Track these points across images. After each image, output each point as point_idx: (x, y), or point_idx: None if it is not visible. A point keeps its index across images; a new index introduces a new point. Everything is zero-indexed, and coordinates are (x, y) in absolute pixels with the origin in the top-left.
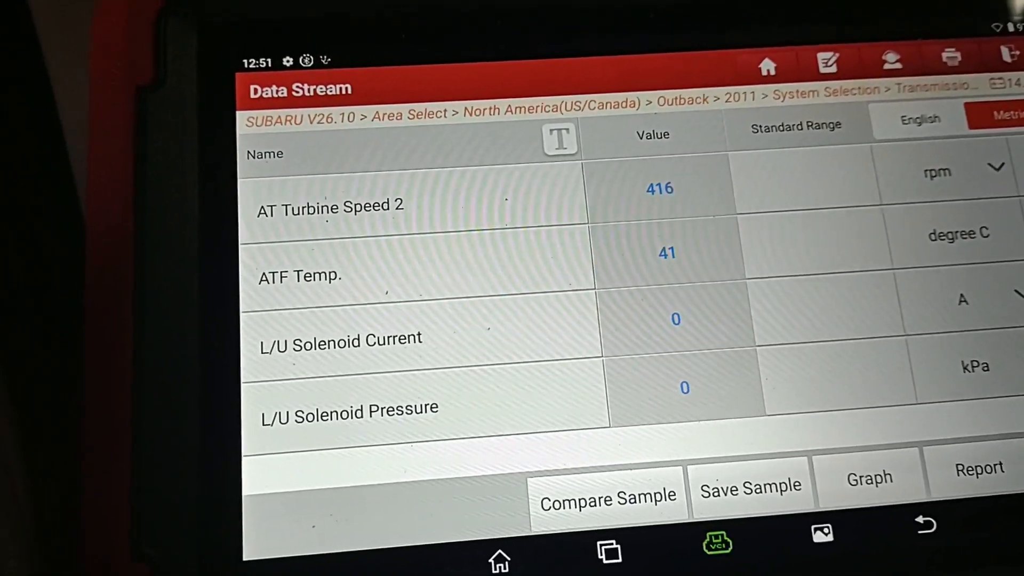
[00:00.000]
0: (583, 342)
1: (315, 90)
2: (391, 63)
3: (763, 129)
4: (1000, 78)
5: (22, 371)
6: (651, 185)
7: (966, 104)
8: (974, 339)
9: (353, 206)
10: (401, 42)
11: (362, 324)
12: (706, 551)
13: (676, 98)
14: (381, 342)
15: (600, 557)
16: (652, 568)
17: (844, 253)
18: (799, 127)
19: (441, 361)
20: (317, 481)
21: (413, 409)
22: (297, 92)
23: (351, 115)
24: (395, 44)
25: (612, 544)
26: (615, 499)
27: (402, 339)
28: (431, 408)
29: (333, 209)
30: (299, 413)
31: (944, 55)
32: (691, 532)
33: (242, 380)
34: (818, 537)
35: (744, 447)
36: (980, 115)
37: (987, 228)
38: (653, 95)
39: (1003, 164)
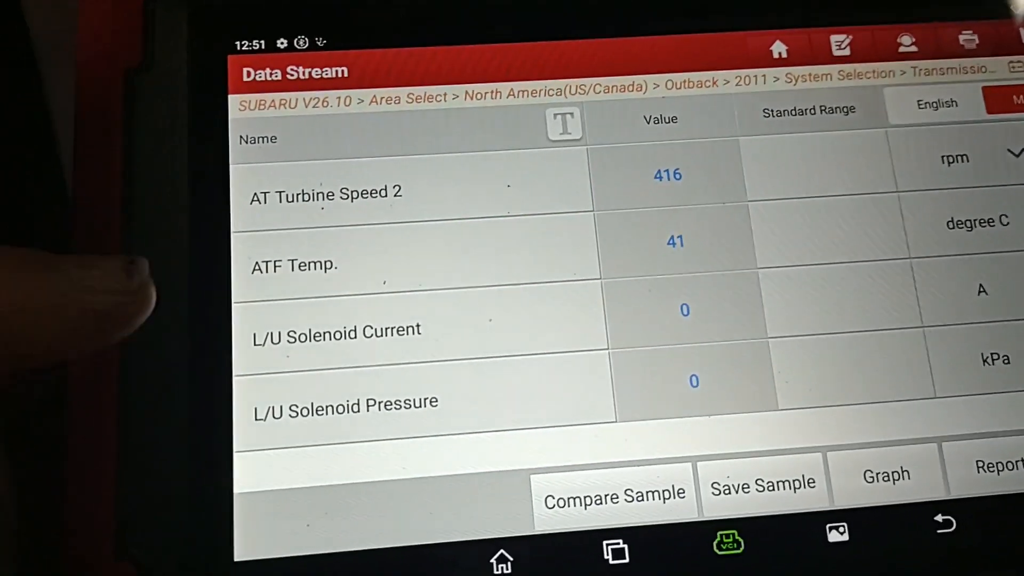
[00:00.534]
0: (589, 334)
1: (310, 73)
2: (389, 45)
3: (775, 114)
4: (1020, 61)
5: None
6: (659, 171)
7: (984, 88)
8: (994, 330)
9: (350, 193)
10: (399, 23)
11: (359, 315)
12: (716, 551)
13: (684, 81)
14: (379, 334)
15: (606, 557)
16: (660, 569)
17: (859, 242)
18: (812, 112)
19: (441, 353)
20: (312, 478)
21: (412, 403)
22: (292, 75)
23: (348, 99)
24: (393, 25)
25: (619, 544)
26: (622, 497)
27: (400, 331)
28: (430, 402)
29: (329, 196)
30: (293, 407)
31: (961, 38)
32: (701, 531)
33: (233, 373)
34: (833, 536)
35: (756, 443)
36: (999, 100)
37: (1007, 216)
38: (661, 78)
39: (1023, 150)
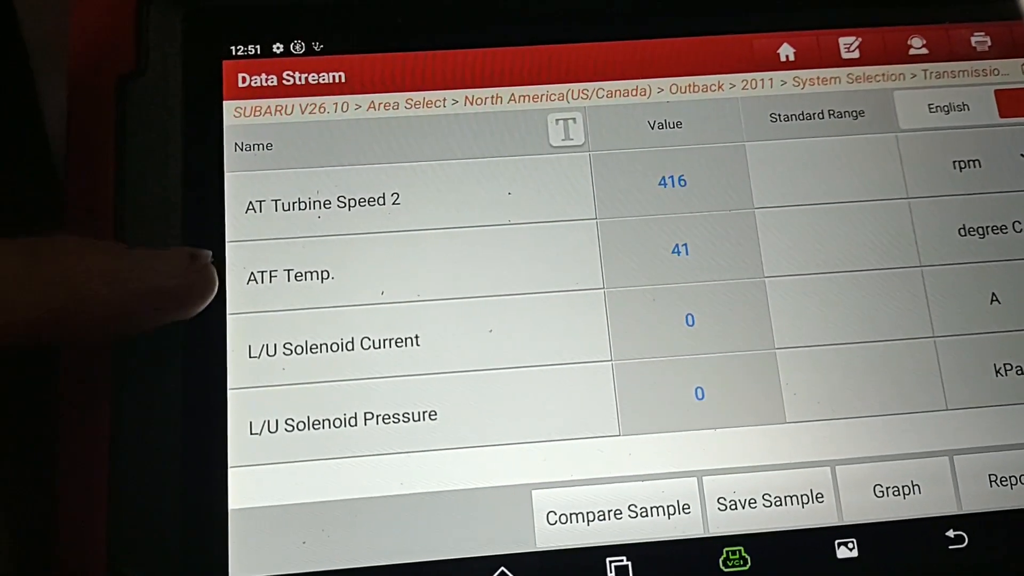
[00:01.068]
0: (591, 345)
1: (307, 78)
2: (387, 50)
3: (782, 118)
4: None
5: None
6: (663, 178)
7: (996, 91)
8: (1007, 341)
9: (347, 201)
10: (397, 27)
11: (356, 326)
12: (723, 568)
13: (689, 85)
14: (376, 345)
15: (610, 574)
16: None
17: (868, 250)
18: (820, 116)
19: (440, 365)
20: (308, 494)
21: (410, 417)
22: (288, 80)
23: (345, 105)
24: (391, 30)
25: (623, 561)
26: (625, 512)
27: (399, 342)
28: (429, 416)
29: (326, 204)
30: (289, 421)
31: (973, 39)
32: (707, 548)
33: (228, 386)
34: (842, 553)
35: (763, 457)
36: (1012, 103)
37: (1020, 222)
38: (665, 82)
39: None
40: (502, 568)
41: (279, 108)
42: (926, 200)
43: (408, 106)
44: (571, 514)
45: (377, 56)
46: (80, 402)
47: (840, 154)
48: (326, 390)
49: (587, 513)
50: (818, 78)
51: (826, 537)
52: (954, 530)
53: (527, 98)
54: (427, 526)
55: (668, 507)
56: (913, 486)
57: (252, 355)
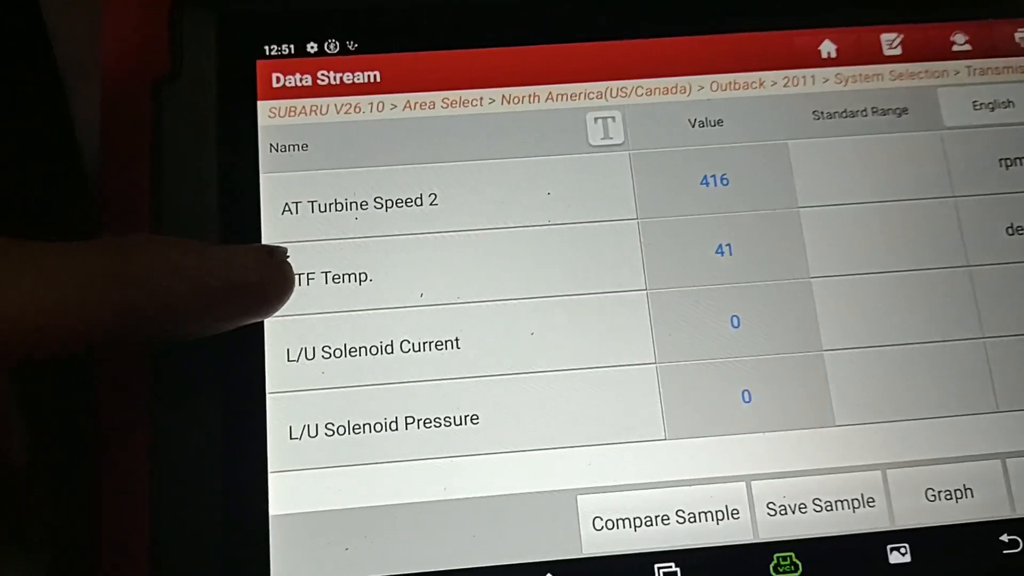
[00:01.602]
0: (635, 347)
1: (342, 78)
2: (423, 48)
3: (825, 115)
4: None
5: (35, 386)
6: (705, 177)
7: None
8: None
9: (384, 202)
10: (433, 26)
11: (395, 329)
12: (773, 574)
13: (730, 83)
14: (416, 348)
15: None
16: None
17: (915, 249)
18: (863, 113)
19: (481, 368)
20: (349, 500)
21: (452, 421)
22: (322, 80)
23: (380, 104)
24: (427, 28)
25: (671, 567)
26: (673, 518)
27: (439, 345)
28: (471, 419)
29: (362, 205)
30: (329, 426)
31: (1017, 35)
32: (756, 553)
33: (267, 391)
34: (894, 558)
35: (812, 461)
36: None
37: None
38: (705, 80)
39: None
40: (548, 574)
41: (314, 108)
42: (972, 198)
43: (444, 105)
44: (618, 519)
45: (412, 55)
46: (119, 410)
47: (884, 152)
48: (366, 394)
49: (634, 519)
50: (860, 75)
51: (878, 542)
52: (1008, 534)
53: (565, 96)
54: (471, 532)
55: (717, 512)
56: (965, 489)
57: (291, 359)
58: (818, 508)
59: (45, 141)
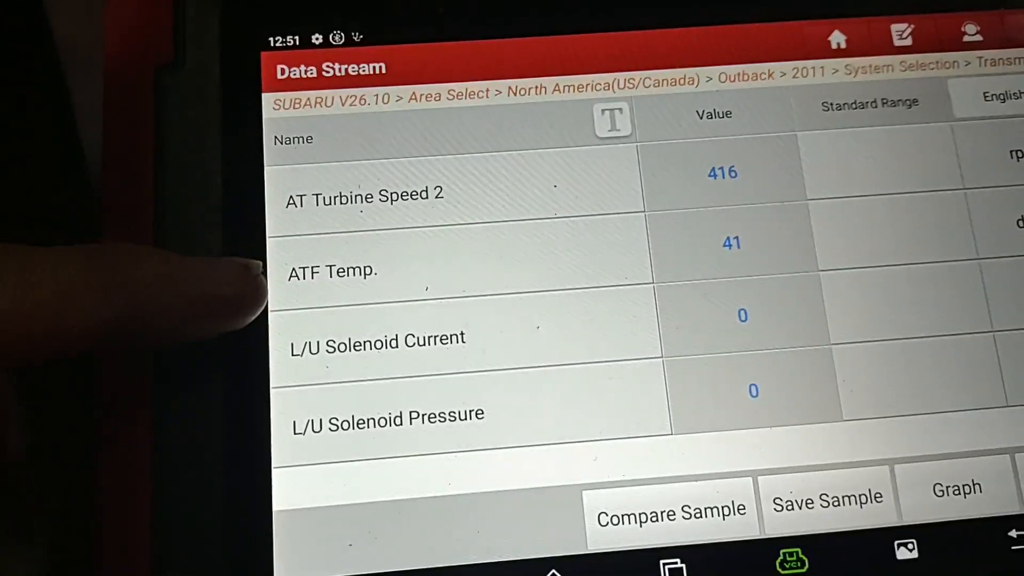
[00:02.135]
0: (642, 341)
1: (347, 69)
2: (428, 39)
3: (834, 107)
4: None
5: (37, 382)
6: (713, 169)
7: None
8: None
9: (389, 195)
10: (439, 16)
11: (400, 323)
12: (780, 570)
13: (739, 74)
14: (421, 342)
15: None
16: None
17: (925, 242)
18: (873, 105)
19: (487, 363)
20: (354, 495)
21: (457, 415)
22: (327, 72)
23: (386, 96)
24: (432, 19)
25: (676, 563)
26: (679, 513)
27: (444, 339)
28: (476, 414)
29: (367, 199)
30: (333, 420)
31: None
32: (763, 549)
33: (271, 385)
34: (902, 554)
35: (819, 455)
36: None
37: None
38: (713, 71)
39: None
40: (553, 570)
41: (319, 100)
42: (983, 191)
43: (450, 97)
44: (623, 515)
45: (418, 46)
46: (122, 404)
47: (894, 144)
48: (370, 388)
49: (639, 514)
50: (870, 66)
51: (886, 538)
52: (1016, 530)
53: (572, 88)
54: (476, 528)
55: (723, 508)
56: (974, 485)
57: (295, 353)
58: (825, 503)
59: (46, 130)
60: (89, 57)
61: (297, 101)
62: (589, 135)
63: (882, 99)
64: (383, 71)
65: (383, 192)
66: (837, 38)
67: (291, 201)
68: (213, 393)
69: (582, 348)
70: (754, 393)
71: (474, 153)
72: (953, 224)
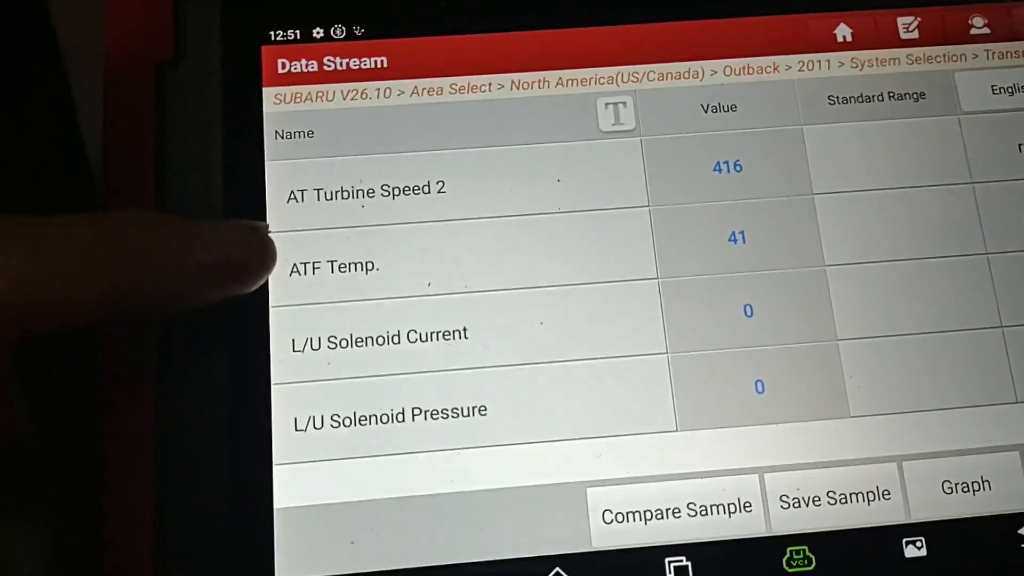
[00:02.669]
0: (646, 337)
1: (348, 64)
2: (430, 33)
3: (840, 100)
4: None
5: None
6: (718, 163)
7: None
8: None
9: (391, 190)
10: (441, 10)
11: (402, 319)
12: (786, 568)
13: (744, 67)
14: (423, 338)
15: (669, 575)
16: None
17: (932, 236)
18: (879, 98)
19: (490, 359)
20: (356, 492)
21: (460, 412)
22: (328, 66)
23: (387, 90)
24: (434, 12)
25: (682, 561)
26: (684, 511)
27: (446, 335)
28: (479, 411)
29: (369, 193)
30: (335, 417)
31: None
32: (769, 547)
33: (272, 381)
34: (910, 552)
35: (826, 452)
36: None
37: None
38: (718, 64)
39: None
40: (557, 568)
41: (320, 94)
42: (991, 184)
43: (452, 91)
44: (628, 513)
45: (420, 40)
46: (123, 400)
47: (901, 138)
48: (372, 385)
49: (644, 512)
50: (877, 59)
51: (894, 536)
52: None
53: (575, 82)
54: (479, 525)
55: (729, 505)
56: (983, 482)
57: (296, 349)
58: (832, 501)
59: (47, 126)
60: (90, 53)
61: (298, 95)
62: (593, 129)
63: (889, 92)
64: (384, 65)
65: (385, 187)
66: (843, 31)
67: (292, 196)
68: (214, 390)
69: (586, 344)
70: (760, 389)
71: (477, 148)
72: (961, 218)
